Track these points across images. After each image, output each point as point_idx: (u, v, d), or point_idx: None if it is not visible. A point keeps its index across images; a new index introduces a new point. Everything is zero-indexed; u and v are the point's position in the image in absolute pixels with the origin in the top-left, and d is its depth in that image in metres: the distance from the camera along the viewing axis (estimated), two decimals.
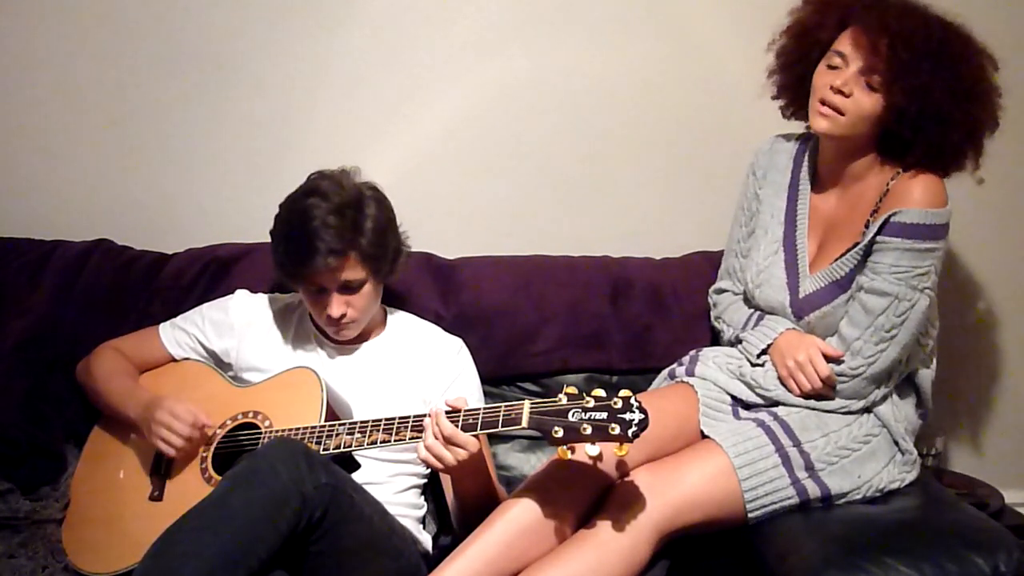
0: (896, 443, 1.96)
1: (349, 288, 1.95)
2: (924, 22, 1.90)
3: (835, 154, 2.02)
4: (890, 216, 1.88)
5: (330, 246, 1.88)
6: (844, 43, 1.93)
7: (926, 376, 2.04)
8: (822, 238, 2.06)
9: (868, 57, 1.89)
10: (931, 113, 1.87)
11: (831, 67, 1.93)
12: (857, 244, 1.95)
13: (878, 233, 1.90)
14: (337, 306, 1.94)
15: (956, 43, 1.91)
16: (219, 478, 1.81)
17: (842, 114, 1.91)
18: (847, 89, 1.90)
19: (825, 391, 1.95)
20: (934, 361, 2.06)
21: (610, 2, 2.43)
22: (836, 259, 1.98)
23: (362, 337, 2.10)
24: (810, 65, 1.99)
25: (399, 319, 2.17)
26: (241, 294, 2.16)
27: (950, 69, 1.87)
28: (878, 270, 1.90)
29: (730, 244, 2.23)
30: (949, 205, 1.90)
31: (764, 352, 2.02)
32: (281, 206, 1.99)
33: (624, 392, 1.64)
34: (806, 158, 2.12)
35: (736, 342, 2.11)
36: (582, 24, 2.43)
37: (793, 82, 2.08)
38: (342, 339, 2.04)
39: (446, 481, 1.98)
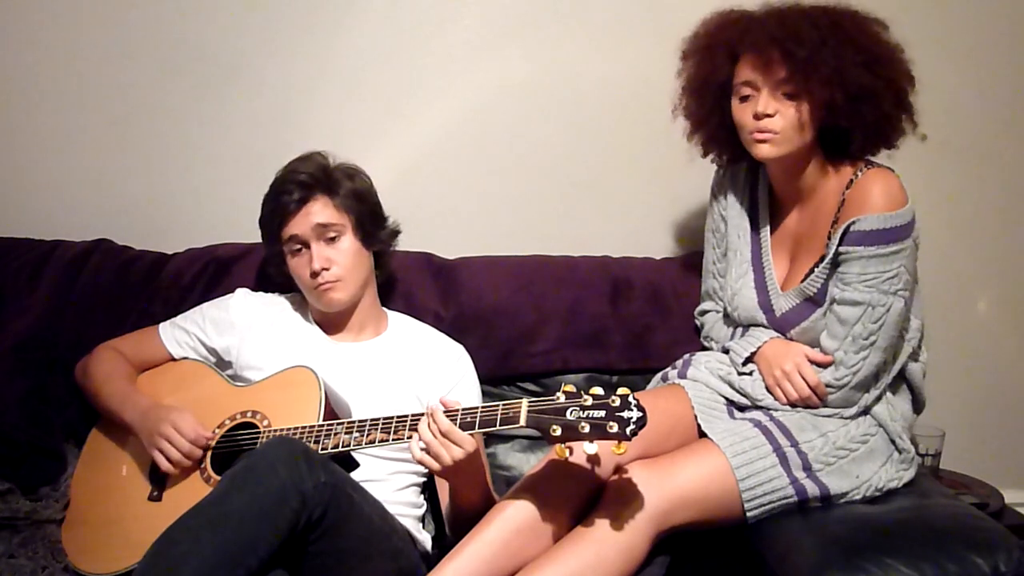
0: (893, 442, 1.96)
1: (327, 237, 2.00)
2: (804, 15, 1.91)
3: (782, 172, 2.03)
4: (849, 225, 1.88)
5: (299, 184, 2.01)
6: (744, 72, 1.94)
7: (917, 369, 2.04)
8: (792, 254, 2.06)
9: (771, 73, 1.90)
10: (856, 92, 1.88)
11: (744, 99, 1.95)
12: (824, 258, 1.94)
13: (840, 244, 1.89)
14: (318, 258, 1.99)
15: (844, 19, 1.91)
16: (218, 478, 1.81)
17: (776, 133, 1.91)
18: (770, 110, 1.90)
19: (813, 400, 1.95)
20: (923, 353, 2.05)
21: (610, 2, 2.43)
22: (805, 276, 1.98)
23: (362, 336, 2.11)
24: (722, 110, 2.01)
25: (401, 321, 2.17)
26: (242, 293, 2.17)
27: (850, 45, 1.88)
28: (847, 280, 1.89)
29: (706, 265, 2.24)
30: (909, 203, 1.89)
31: (750, 360, 2.02)
32: None
33: (622, 390, 1.64)
34: (761, 176, 2.12)
35: (724, 353, 2.11)
36: (582, 24, 2.44)
37: (715, 132, 2.09)
38: (330, 306, 2.04)
39: (442, 488, 1.98)
